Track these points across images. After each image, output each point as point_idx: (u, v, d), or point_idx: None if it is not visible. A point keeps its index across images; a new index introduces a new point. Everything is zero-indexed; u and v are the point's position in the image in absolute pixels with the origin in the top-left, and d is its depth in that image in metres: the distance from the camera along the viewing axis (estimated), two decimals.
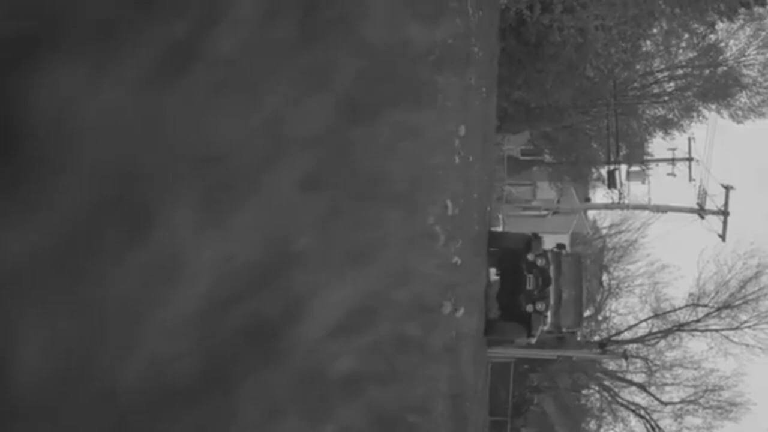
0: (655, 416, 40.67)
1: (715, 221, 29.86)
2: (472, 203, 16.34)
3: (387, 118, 9.88)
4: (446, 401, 13.66)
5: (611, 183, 31.42)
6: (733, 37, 33.94)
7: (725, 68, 34.01)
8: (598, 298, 40.59)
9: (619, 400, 41.64)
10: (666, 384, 40.75)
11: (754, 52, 34.47)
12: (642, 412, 40.87)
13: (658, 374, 40.82)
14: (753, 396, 42.79)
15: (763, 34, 33.98)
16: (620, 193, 31.25)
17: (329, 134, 8.21)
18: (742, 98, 35.10)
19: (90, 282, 5.35)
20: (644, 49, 30.35)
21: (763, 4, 26.56)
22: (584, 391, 42.60)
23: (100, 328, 5.46)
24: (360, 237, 9.23)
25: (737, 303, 39.02)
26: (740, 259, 38.77)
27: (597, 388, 42.13)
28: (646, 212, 34.88)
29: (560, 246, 22.40)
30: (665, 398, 40.65)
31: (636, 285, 42.56)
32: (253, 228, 7.02)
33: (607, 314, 42.09)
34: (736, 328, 39.24)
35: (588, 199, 38.56)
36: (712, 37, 32.56)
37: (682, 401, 40.29)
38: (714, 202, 29.72)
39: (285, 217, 7.56)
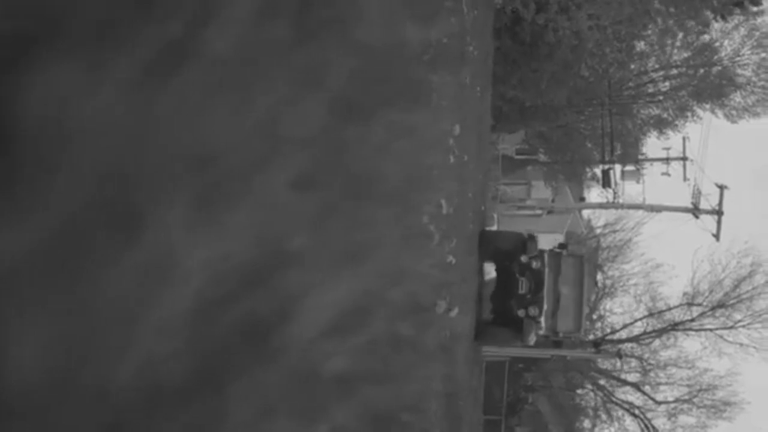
0: (649, 415, 40.72)
1: (710, 220, 29.90)
2: (466, 202, 16.35)
3: (382, 117, 9.88)
4: (440, 400, 13.68)
5: (606, 182, 31.44)
6: (728, 37, 34.00)
7: (720, 68, 34.05)
8: (593, 298, 40.64)
9: (614, 399, 41.69)
10: (660, 383, 40.80)
11: (749, 51, 34.54)
12: (636, 412, 40.92)
13: (652, 373, 40.87)
14: (747, 395, 42.77)
15: (758, 34, 34.04)
16: (615, 193, 31.29)
17: (323, 134, 8.21)
18: (737, 98, 35.16)
19: (84, 282, 5.35)
20: (639, 48, 30.41)
21: (757, 4, 26.60)
22: (579, 391, 42.64)
23: (94, 327, 5.47)
24: (354, 236, 9.23)
25: (731, 302, 39.08)
26: (734, 259, 38.80)
27: (591, 387, 42.16)
28: (641, 211, 34.91)
29: (562, 246, 21.32)
30: (659, 397, 40.69)
31: (630, 284, 42.60)
32: (247, 228, 7.02)
33: (602, 313, 42.14)
34: (731, 328, 39.29)
35: (583, 199, 38.57)
36: (707, 36, 32.61)
37: (677, 400, 40.33)
38: (708, 202, 29.76)
39: (279, 217, 7.56)
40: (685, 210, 30.18)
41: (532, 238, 20.04)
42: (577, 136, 34.85)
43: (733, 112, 35.36)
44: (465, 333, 16.10)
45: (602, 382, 41.93)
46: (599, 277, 41.31)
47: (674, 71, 34.32)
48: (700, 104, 34.43)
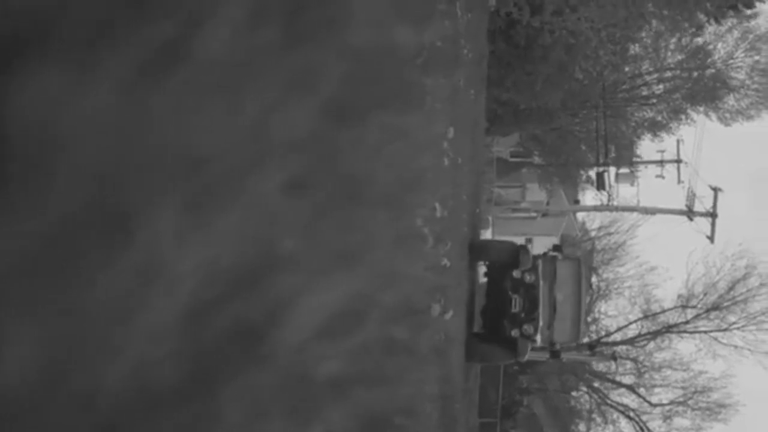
0: (644, 418, 40.76)
1: (704, 223, 29.98)
2: (461, 205, 16.34)
3: (375, 120, 9.88)
4: (435, 403, 13.67)
5: (600, 185, 31.50)
6: (721, 40, 34.11)
7: (713, 71, 34.15)
8: (588, 300, 40.67)
9: (609, 401, 41.73)
10: (655, 385, 40.86)
11: (742, 54, 34.65)
12: (631, 414, 40.96)
13: (647, 376, 40.93)
14: (742, 397, 42.90)
15: (751, 36, 34.15)
16: (609, 195, 31.34)
17: (316, 136, 8.21)
18: (730, 101, 35.27)
19: (75, 285, 5.34)
20: (633, 51, 30.49)
21: (750, 6, 26.68)
22: (574, 393, 42.67)
23: (86, 329, 5.45)
24: (347, 239, 9.23)
25: (726, 304, 39.16)
26: (729, 261, 38.89)
27: (586, 389, 42.20)
28: (635, 214, 35.02)
29: (556, 248, 19.76)
30: (654, 400, 40.75)
31: (625, 287, 42.69)
32: (239, 230, 7.01)
33: (597, 316, 42.19)
34: (725, 330, 39.37)
35: (577, 201, 38.65)
36: (700, 39, 32.72)
37: (671, 403, 40.39)
38: (702, 204, 29.84)
39: (271, 220, 7.55)
40: (680, 212, 30.25)
41: (525, 250, 18.51)
42: (572, 139, 34.93)
43: (727, 115, 35.50)
44: (459, 336, 16.09)
45: (597, 384, 41.99)
46: (594, 279, 41.35)
47: (668, 74, 34.43)
48: (693, 107, 34.54)
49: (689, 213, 29.99)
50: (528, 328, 17.69)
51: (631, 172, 34.00)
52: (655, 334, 40.85)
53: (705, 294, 39.60)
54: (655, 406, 40.67)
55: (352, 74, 8.75)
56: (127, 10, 5.46)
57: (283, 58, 7.48)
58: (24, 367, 5.03)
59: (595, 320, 42.18)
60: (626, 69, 31.46)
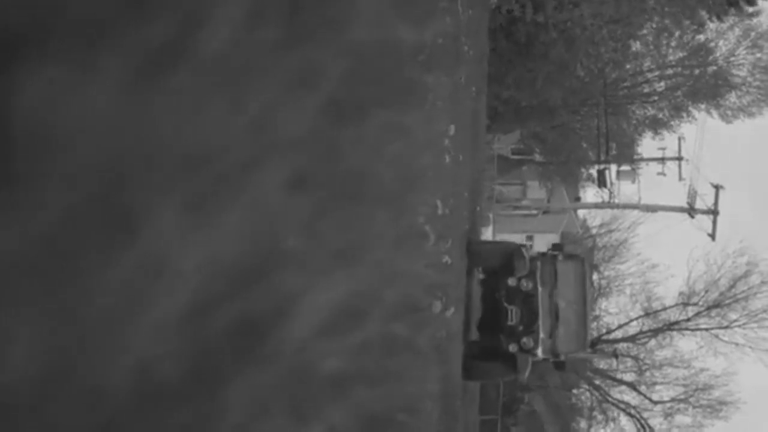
0: (645, 415, 40.81)
1: (705, 220, 29.99)
2: (462, 203, 16.33)
3: (376, 118, 9.88)
4: (436, 400, 13.67)
5: (601, 182, 31.51)
6: (723, 37, 34.11)
7: (715, 68, 34.16)
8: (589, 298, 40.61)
9: (610, 399, 41.76)
10: (656, 383, 40.91)
11: (744, 52, 34.65)
12: (632, 411, 41.00)
13: (648, 373, 40.97)
14: (743, 395, 42.93)
15: (753, 34, 34.15)
16: (610, 193, 31.34)
17: (317, 134, 8.21)
18: (732, 98, 35.30)
19: (78, 283, 5.34)
20: (634, 48, 30.48)
21: (752, 4, 26.67)
22: (575, 390, 42.69)
23: (88, 328, 5.46)
24: (348, 237, 9.23)
25: (727, 302, 39.18)
26: (730, 258, 38.93)
27: (587, 387, 42.23)
28: (636, 211, 35.02)
29: (556, 247, 17.81)
30: (655, 397, 40.79)
31: (626, 284, 42.73)
32: (241, 228, 7.02)
33: (598, 313, 42.21)
34: (726, 327, 39.39)
35: (578, 199, 38.67)
36: (702, 37, 32.70)
37: (673, 400, 40.44)
38: (704, 202, 29.86)
39: (273, 218, 7.56)
40: (681, 210, 30.27)
41: (519, 253, 16.49)
42: (573, 136, 34.94)
43: (729, 113, 35.53)
44: (461, 333, 16.08)
45: (598, 381, 42.02)
46: (595, 277, 41.36)
47: (669, 71, 34.43)
48: (695, 104, 34.57)
49: (690, 210, 30.00)
50: (527, 341, 16.05)
51: (632, 169, 34.01)
52: (656, 332, 40.87)
53: (706, 291, 39.64)
54: (656, 403, 40.72)
55: (352, 72, 8.75)
56: (127, 9, 5.46)
57: (283, 57, 7.48)
58: (28, 365, 5.04)
59: (596, 317, 42.19)
60: (627, 66, 31.47)
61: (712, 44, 33.97)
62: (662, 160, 33.60)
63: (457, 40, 15.00)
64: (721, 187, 29.27)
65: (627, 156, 34.67)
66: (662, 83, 34.72)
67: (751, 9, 27.34)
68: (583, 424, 43.67)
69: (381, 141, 10.19)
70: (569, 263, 16.96)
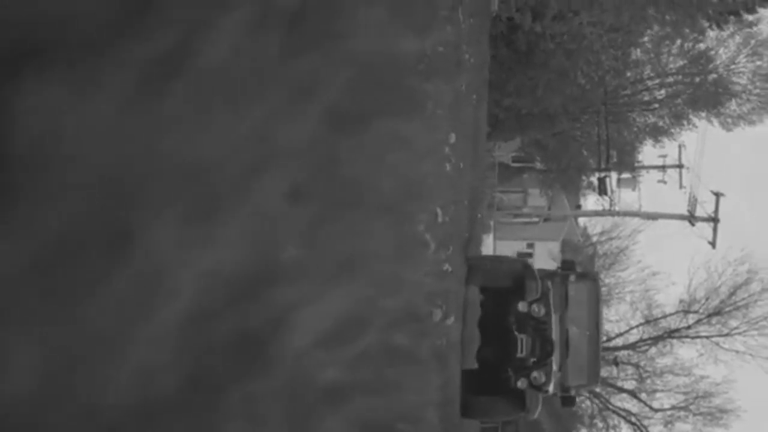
0: (645, 423, 40.75)
1: (706, 228, 30.00)
2: (462, 211, 16.31)
3: (376, 127, 9.88)
4: (437, 409, 13.63)
5: (602, 190, 31.54)
6: (723, 45, 34.17)
7: (715, 76, 34.20)
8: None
9: (610, 406, 41.70)
10: (657, 390, 40.87)
11: (744, 59, 34.70)
12: (633, 419, 40.94)
13: (648, 381, 40.93)
14: (743, 403, 42.85)
15: (753, 42, 34.21)
16: (611, 200, 31.37)
17: (317, 144, 8.21)
18: (732, 106, 35.35)
19: (75, 296, 5.32)
20: (635, 56, 30.53)
21: (752, 12, 26.70)
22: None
23: (85, 342, 5.44)
24: (349, 246, 9.21)
25: (727, 310, 39.18)
26: (730, 266, 38.96)
27: (588, 394, 42.17)
28: (637, 219, 35.05)
29: (567, 264, 15.87)
30: (656, 405, 40.75)
31: (627, 292, 42.72)
32: (240, 239, 7.00)
33: None
34: (726, 335, 39.38)
35: (579, 206, 38.68)
36: (702, 45, 32.76)
37: (673, 408, 40.39)
38: (704, 209, 29.89)
39: (272, 228, 7.54)
40: (681, 217, 30.28)
41: (531, 273, 14.41)
42: (573, 144, 34.98)
43: (729, 120, 35.60)
44: (461, 341, 16.02)
45: (599, 389, 41.93)
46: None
47: (670, 79, 34.49)
48: (695, 112, 34.64)
49: (691, 218, 30.01)
50: (538, 376, 13.99)
51: (633, 177, 34.05)
52: (656, 339, 40.85)
53: (707, 299, 39.65)
54: (656, 411, 40.67)
55: (353, 81, 8.75)
56: (128, 22, 5.46)
57: (284, 67, 7.48)
58: (27, 377, 5.02)
59: None
60: (628, 74, 31.53)
61: (713, 52, 34.04)
62: (663, 167, 33.65)
63: (457, 49, 15.00)
64: (722, 194, 29.30)
65: (627, 164, 34.71)
66: (663, 91, 34.78)
67: (751, 17, 27.37)
68: (583, 431, 43.59)
69: (381, 150, 10.19)
70: (581, 284, 14.95)
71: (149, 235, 5.78)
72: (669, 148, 34.63)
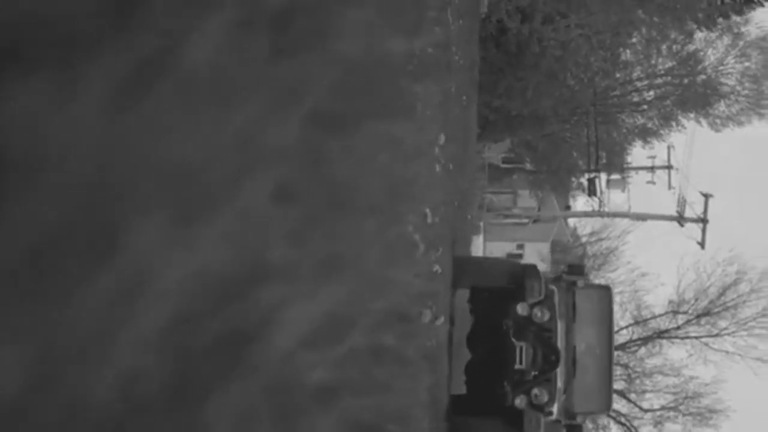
0: (635, 423, 40.84)
1: (695, 229, 30.14)
2: (452, 211, 16.33)
3: (365, 128, 9.87)
4: (426, 409, 13.63)
5: (591, 191, 31.64)
6: (712, 47, 34.31)
7: (704, 77, 34.35)
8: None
9: None
10: (646, 391, 40.97)
11: (733, 61, 34.86)
12: (622, 419, 41.02)
13: (638, 381, 41.02)
14: (732, 403, 43.02)
15: (741, 43, 34.35)
16: (600, 201, 31.46)
17: (304, 145, 8.20)
18: (721, 107, 35.51)
19: (60, 298, 5.31)
20: (624, 57, 30.65)
21: (740, 13, 26.87)
22: None
23: (70, 343, 5.42)
24: (337, 247, 9.21)
25: (717, 310, 39.31)
26: (719, 267, 39.08)
27: None
28: (626, 220, 35.16)
29: (573, 270, 13.29)
30: (645, 405, 40.84)
31: (616, 292, 42.82)
32: (226, 240, 6.99)
33: None
34: (716, 335, 39.50)
35: (568, 207, 38.79)
36: (691, 46, 32.90)
37: (662, 408, 40.50)
38: (693, 210, 30.01)
39: (259, 229, 7.53)
40: (670, 218, 30.40)
41: (533, 271, 12.46)
42: (563, 145, 35.09)
43: (718, 121, 35.76)
44: (451, 342, 16.04)
45: None
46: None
47: (659, 80, 34.62)
48: (684, 113, 34.78)
49: (680, 219, 30.13)
50: (540, 393, 11.90)
51: (622, 178, 34.19)
52: (646, 340, 40.95)
53: (696, 300, 39.77)
54: (646, 411, 40.76)
55: (341, 83, 8.75)
56: (110, 22, 5.45)
57: (270, 68, 7.47)
58: (11, 378, 5.00)
59: None
60: (617, 75, 31.65)
61: (701, 53, 34.19)
62: (652, 168, 33.79)
63: (447, 50, 15.01)
64: (711, 195, 29.42)
65: (617, 165, 34.84)
66: (652, 92, 34.92)
67: (739, 18, 27.55)
68: None
69: (370, 150, 10.18)
70: (592, 293, 12.92)
71: (135, 236, 5.77)
72: (658, 149, 34.82)
